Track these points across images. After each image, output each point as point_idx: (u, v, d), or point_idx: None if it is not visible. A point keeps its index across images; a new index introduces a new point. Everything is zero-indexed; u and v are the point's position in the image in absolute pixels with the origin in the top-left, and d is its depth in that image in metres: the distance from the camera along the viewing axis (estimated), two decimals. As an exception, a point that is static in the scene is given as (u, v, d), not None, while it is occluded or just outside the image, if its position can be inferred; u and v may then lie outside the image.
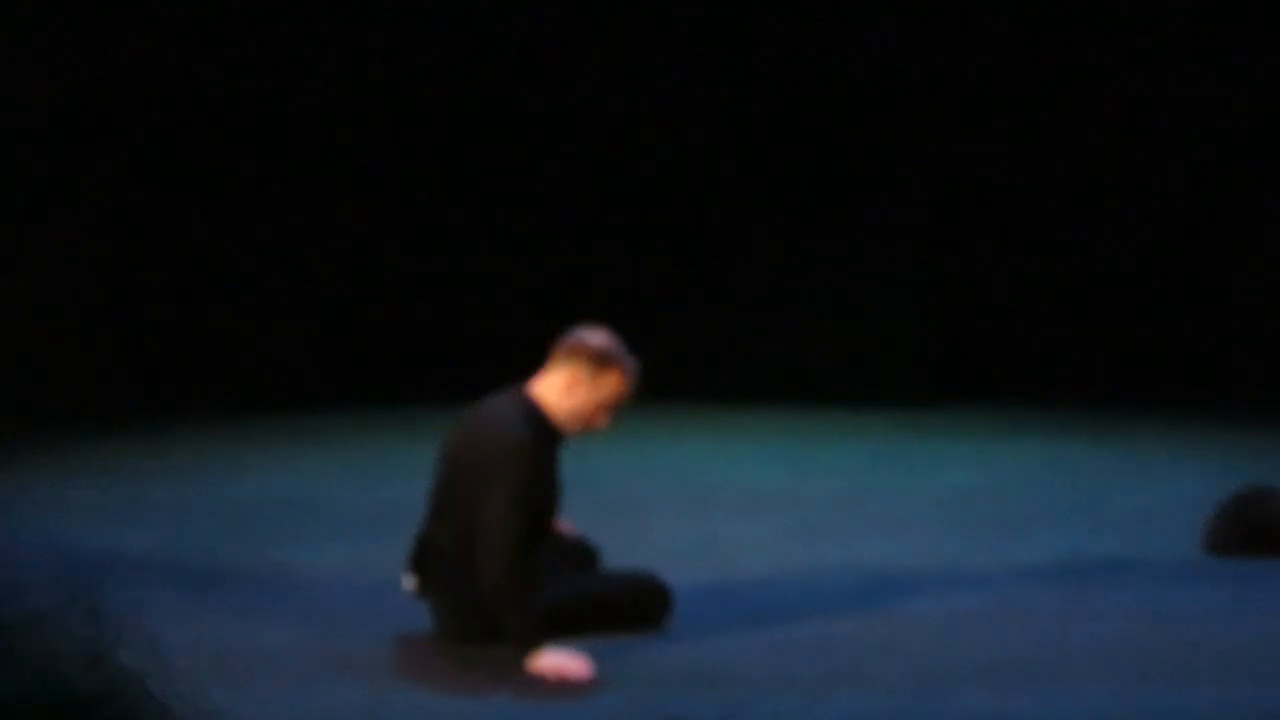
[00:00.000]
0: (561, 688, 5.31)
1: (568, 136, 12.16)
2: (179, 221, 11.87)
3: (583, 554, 6.18)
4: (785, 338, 11.91)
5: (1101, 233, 12.31)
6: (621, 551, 6.45)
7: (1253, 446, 9.98)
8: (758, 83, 12.03)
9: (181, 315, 11.82)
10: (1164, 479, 9.05)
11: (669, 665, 5.55)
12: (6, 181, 10.88)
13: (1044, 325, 12.37)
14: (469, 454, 5.65)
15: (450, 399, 7.36)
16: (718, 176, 12.08)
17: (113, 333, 11.52)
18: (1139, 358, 12.12)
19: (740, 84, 12.05)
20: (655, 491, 8.70)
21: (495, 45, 12.13)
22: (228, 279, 11.96)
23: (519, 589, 5.45)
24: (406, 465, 8.39)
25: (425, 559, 5.79)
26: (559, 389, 5.74)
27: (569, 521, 6.21)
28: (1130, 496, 8.60)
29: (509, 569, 5.44)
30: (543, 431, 5.69)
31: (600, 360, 5.74)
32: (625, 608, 5.91)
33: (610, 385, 5.76)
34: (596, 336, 5.80)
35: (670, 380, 7.11)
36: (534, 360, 5.91)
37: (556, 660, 5.39)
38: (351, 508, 8.22)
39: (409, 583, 5.85)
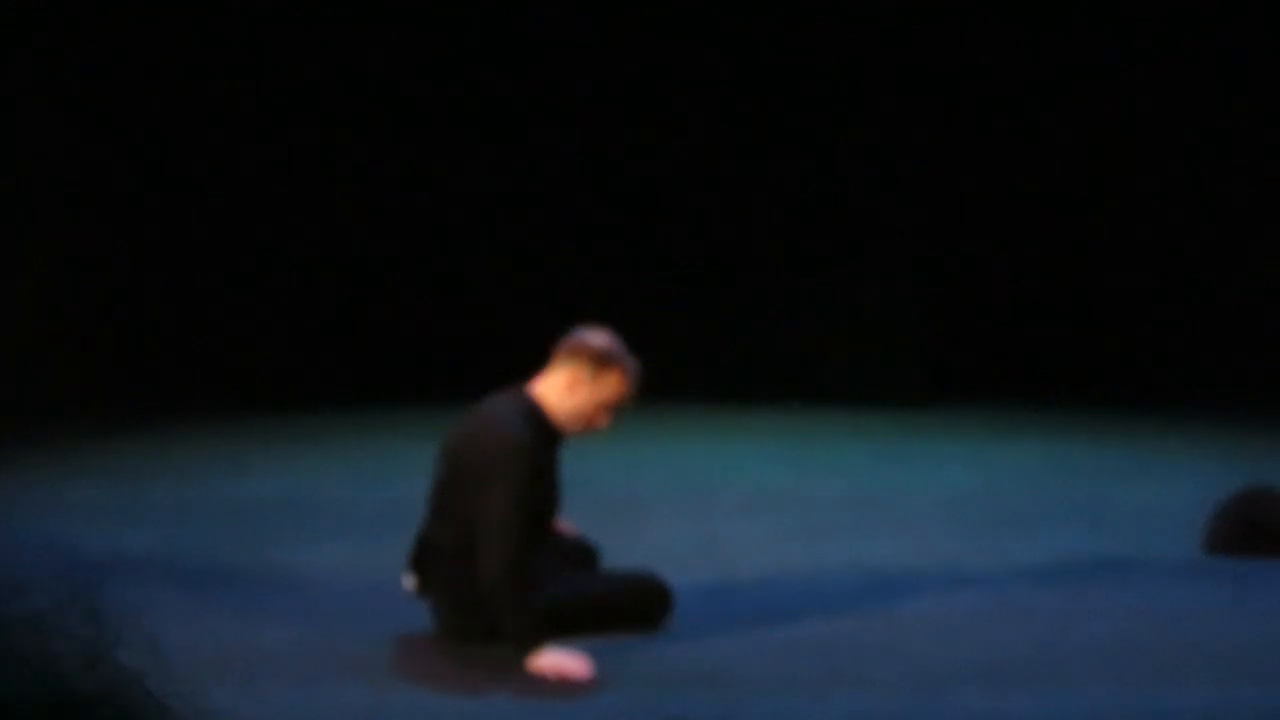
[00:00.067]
0: (562, 687, 5.31)
1: (568, 136, 12.17)
2: (179, 221, 11.88)
3: (583, 554, 6.18)
4: (785, 338, 11.92)
5: (1101, 233, 12.32)
6: (621, 551, 6.45)
7: (1252, 446, 9.99)
8: (758, 82, 12.03)
9: (181, 315, 11.83)
10: (1164, 479, 9.06)
11: (669, 665, 5.55)
12: (7, 181, 10.89)
13: (1044, 325, 12.38)
14: (469, 453, 5.65)
15: (450, 399, 7.37)
16: (718, 176, 12.09)
17: (113, 333, 11.52)
18: (1139, 358, 12.13)
19: (741, 83, 12.05)
20: (655, 491, 8.70)
21: (495, 45, 12.13)
22: (228, 279, 11.97)
23: (519, 589, 5.45)
24: (406, 465, 8.39)
25: (425, 558, 5.79)
26: (560, 389, 5.74)
27: (569, 521, 6.21)
28: (1130, 496, 8.60)
29: (509, 568, 5.44)
30: (543, 431, 5.69)
31: (601, 360, 5.74)
32: (625, 607, 5.91)
33: (611, 385, 5.76)
34: (598, 337, 5.80)
35: (670, 380, 7.11)
36: (534, 360, 5.91)
37: (557, 660, 5.39)
38: (351, 507, 8.22)
39: (409, 582, 5.85)
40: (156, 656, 4.11)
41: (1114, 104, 12.22)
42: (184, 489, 8.69)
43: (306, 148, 12.02)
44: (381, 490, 8.58)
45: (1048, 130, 12.32)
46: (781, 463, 9.64)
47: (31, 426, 10.20)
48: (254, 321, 11.94)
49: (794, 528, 7.79)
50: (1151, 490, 8.72)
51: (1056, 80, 12.28)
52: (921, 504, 8.42)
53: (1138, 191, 12.24)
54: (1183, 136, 12.11)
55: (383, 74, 12.08)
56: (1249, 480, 7.68)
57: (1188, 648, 5.78)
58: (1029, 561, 7.06)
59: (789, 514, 8.09)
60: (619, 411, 5.83)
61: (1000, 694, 5.26)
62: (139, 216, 11.76)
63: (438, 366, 11.66)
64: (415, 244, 12.18)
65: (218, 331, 11.88)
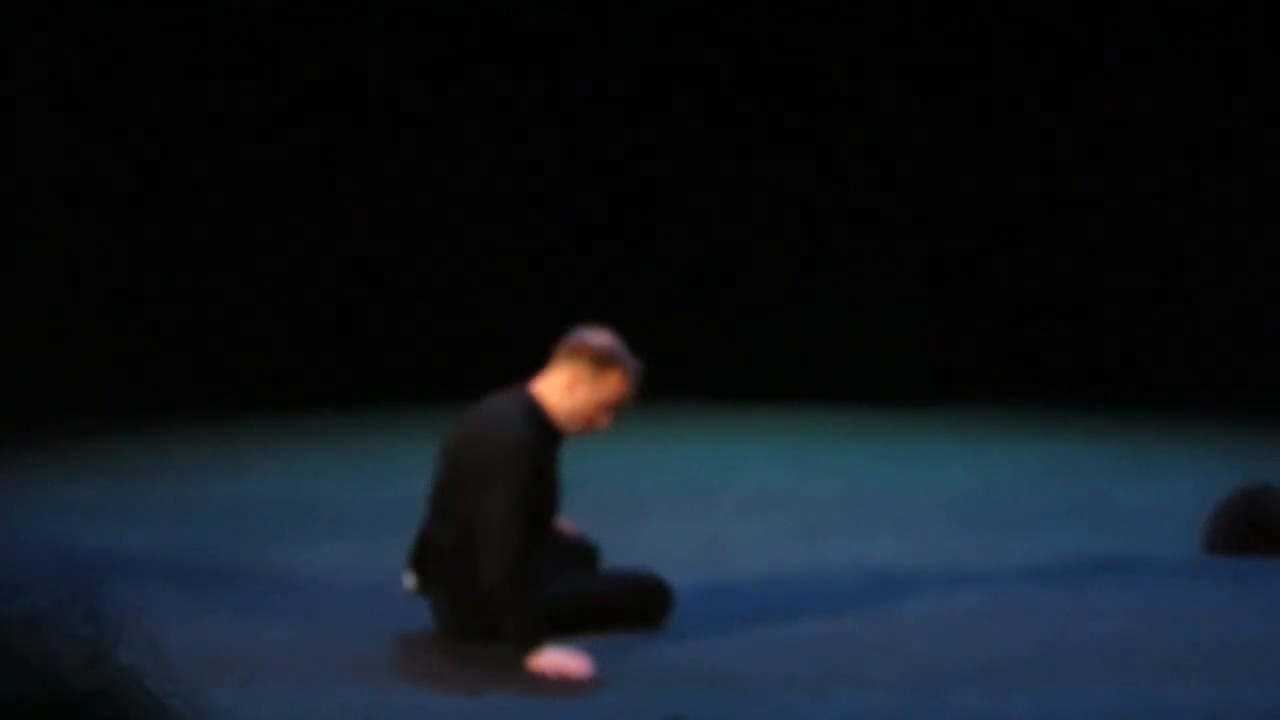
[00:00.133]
0: (562, 686, 5.31)
1: (568, 136, 12.17)
2: (179, 221, 11.88)
3: (583, 553, 6.18)
4: (786, 338, 11.92)
5: (1102, 233, 12.32)
6: (622, 551, 6.45)
7: (1252, 446, 9.99)
8: (758, 82, 12.03)
9: (181, 315, 11.83)
10: (1164, 478, 9.06)
11: (669, 664, 5.55)
12: (6, 181, 10.89)
13: (1044, 325, 12.37)
14: (469, 453, 5.64)
15: (450, 399, 7.37)
16: (718, 176, 12.09)
17: (113, 332, 11.51)
18: (1139, 358, 12.13)
19: (741, 83, 12.05)
20: (655, 491, 8.70)
21: (495, 45, 12.13)
22: (227, 279, 11.97)
23: (519, 588, 5.45)
24: (406, 465, 8.39)
25: (425, 558, 5.79)
26: (560, 388, 5.74)
27: (570, 520, 6.21)
28: (1130, 496, 8.60)
29: (509, 568, 5.44)
30: (543, 431, 5.69)
31: (602, 360, 5.74)
32: (626, 607, 5.92)
33: (612, 385, 5.76)
34: (599, 336, 5.80)
35: (671, 380, 7.11)
36: (534, 360, 5.91)
37: (557, 659, 5.39)
38: (351, 507, 8.22)
39: (409, 581, 5.85)
40: (156, 656, 4.11)
41: (1114, 104, 12.21)
42: (184, 488, 8.69)
43: (307, 147, 12.01)
44: (381, 490, 8.58)
45: (1048, 130, 12.32)
46: (782, 462, 9.64)
47: (31, 426, 10.20)
48: (254, 321, 11.93)
49: (794, 527, 7.79)
50: (1151, 490, 8.72)
51: (1057, 80, 12.27)
52: (922, 504, 8.42)
53: (1138, 191, 12.24)
54: (1183, 136, 12.10)
55: (383, 74, 12.07)
56: (1249, 479, 7.67)
57: (1188, 647, 5.78)
58: (1029, 561, 7.06)
59: (789, 514, 8.09)
60: (619, 411, 5.83)
61: (1000, 694, 5.26)
62: (139, 216, 11.75)
63: (438, 366, 11.65)
64: (415, 244, 12.17)
65: (218, 331, 11.88)
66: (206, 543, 7.38)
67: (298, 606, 6.27)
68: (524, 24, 12.13)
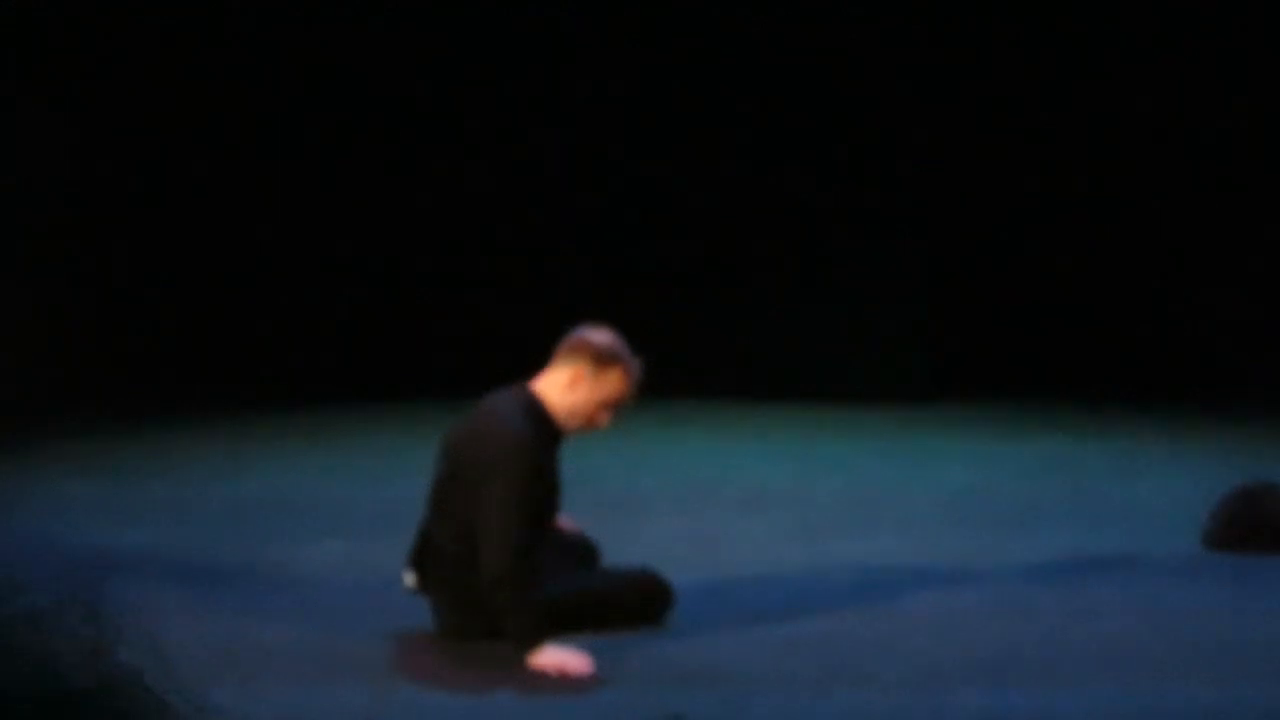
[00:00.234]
0: (562, 684, 5.30)
1: (568, 135, 12.17)
2: (178, 220, 11.88)
3: (583, 551, 6.17)
4: (786, 336, 11.91)
5: (1101, 231, 12.32)
6: (622, 548, 6.44)
7: (1252, 443, 9.99)
8: (759, 81, 12.03)
9: (181, 314, 11.83)
10: (1164, 476, 9.06)
11: (669, 662, 5.55)
12: (6, 181, 10.89)
13: (1044, 323, 12.37)
14: (470, 450, 5.64)
15: (451, 397, 7.37)
16: (718, 174, 12.09)
17: (112, 332, 11.51)
18: (1138, 356, 12.12)
19: (741, 82, 12.05)
20: (656, 489, 8.70)
21: (495, 45, 12.13)
22: (227, 278, 11.97)
23: (519, 586, 5.44)
24: (407, 463, 8.39)
25: (425, 555, 5.79)
26: (561, 386, 5.73)
27: (570, 518, 6.21)
28: (1130, 493, 8.60)
29: (510, 566, 5.43)
30: (544, 429, 5.68)
31: (603, 358, 5.74)
32: (626, 605, 5.91)
33: (612, 383, 5.75)
34: (600, 335, 5.79)
35: (671, 378, 7.11)
36: (535, 360, 5.91)
37: (557, 657, 5.39)
38: (352, 506, 8.22)
39: (409, 579, 5.85)
40: (156, 654, 4.11)
41: (1114, 104, 12.21)
42: (183, 487, 8.69)
43: (307, 146, 12.01)
44: (381, 489, 8.58)
45: (1048, 130, 12.32)
46: (782, 460, 9.64)
47: (32, 425, 10.20)
48: (253, 321, 11.93)
49: (794, 526, 7.79)
50: (1151, 488, 8.71)
51: (1057, 80, 12.27)
52: (922, 502, 8.42)
53: (1138, 191, 12.24)
54: (1183, 136, 12.10)
55: (383, 74, 12.07)
56: (1249, 476, 7.67)
57: (1188, 646, 5.78)
58: (1029, 559, 7.06)
59: (789, 512, 8.09)
60: (620, 410, 5.82)
61: (1000, 691, 5.26)
62: (138, 215, 11.76)
63: (438, 366, 11.65)
64: (415, 244, 12.17)
65: (217, 330, 11.87)
66: (206, 541, 7.38)
67: (297, 605, 6.27)
68: (524, 24, 12.12)
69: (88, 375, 11.18)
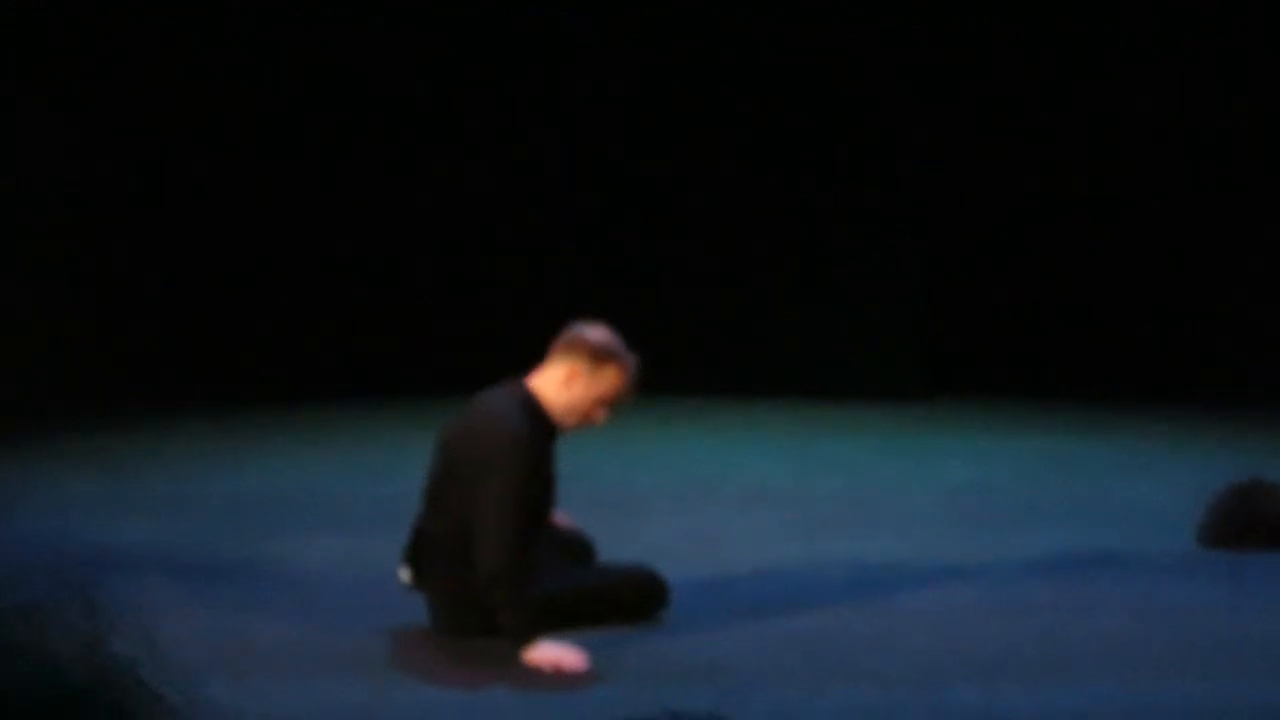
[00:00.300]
0: (558, 680, 5.30)
1: (568, 134, 12.17)
2: (177, 217, 11.88)
3: (579, 547, 6.17)
4: (785, 334, 11.91)
5: (1101, 230, 12.31)
6: (621, 546, 6.44)
7: (1248, 440, 9.98)
8: (759, 81, 12.03)
9: (179, 310, 11.82)
10: (1160, 473, 9.05)
11: (665, 658, 5.55)
12: (6, 180, 10.89)
13: (1043, 321, 12.36)
14: (466, 447, 5.64)
15: (448, 393, 7.37)
16: (718, 173, 12.09)
17: (111, 328, 11.51)
18: (1136, 354, 12.12)
19: (741, 82, 12.05)
20: (652, 486, 8.70)
21: (495, 45, 12.13)
22: (226, 275, 11.97)
23: (515, 582, 5.44)
24: (404, 459, 8.36)
25: (421, 551, 5.79)
26: (557, 383, 5.73)
27: (566, 515, 6.21)
28: (1127, 490, 8.60)
29: (505, 562, 5.43)
30: (540, 425, 5.69)
31: (599, 355, 5.74)
32: (622, 601, 5.91)
33: (609, 380, 5.75)
34: (596, 331, 5.80)
35: (669, 375, 7.11)
36: (533, 358, 5.91)
37: (553, 653, 5.39)
38: (349, 502, 8.22)
39: (404, 575, 5.85)
40: (153, 649, 4.10)
41: (1114, 104, 12.21)
42: (181, 483, 8.69)
43: (307, 146, 12.01)
44: (379, 486, 8.57)
45: (1048, 129, 12.31)
46: (780, 458, 9.64)
47: (29, 421, 10.20)
48: (253, 319, 11.93)
49: (792, 523, 7.79)
50: (1149, 485, 8.71)
51: (1057, 80, 12.27)
52: (920, 499, 8.42)
53: (1138, 191, 12.23)
54: (1183, 136, 12.09)
55: (383, 74, 12.07)
56: (1245, 473, 7.66)
57: (1185, 642, 5.78)
58: (1027, 556, 7.06)
59: (787, 509, 8.09)
60: (616, 406, 5.82)
61: (997, 688, 5.26)
62: (138, 215, 11.75)
63: (437, 365, 11.64)
64: (415, 244, 12.17)
65: (215, 326, 11.87)
66: (204, 537, 7.39)
67: (295, 601, 6.27)
68: (524, 24, 12.12)
69: (88, 374, 11.17)
